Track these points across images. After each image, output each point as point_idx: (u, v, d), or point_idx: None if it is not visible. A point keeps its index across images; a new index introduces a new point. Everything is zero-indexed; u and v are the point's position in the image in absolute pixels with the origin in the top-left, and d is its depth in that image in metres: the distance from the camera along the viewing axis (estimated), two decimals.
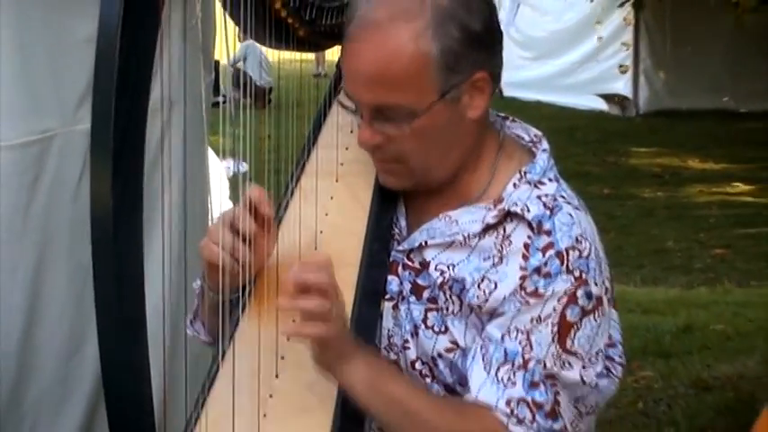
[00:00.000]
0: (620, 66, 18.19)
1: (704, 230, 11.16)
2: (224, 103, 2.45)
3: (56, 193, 3.29)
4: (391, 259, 2.57)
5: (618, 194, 11.68)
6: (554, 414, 2.36)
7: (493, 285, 2.42)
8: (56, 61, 3.22)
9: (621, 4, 16.88)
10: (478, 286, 2.42)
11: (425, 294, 2.51)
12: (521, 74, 17.17)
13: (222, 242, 2.37)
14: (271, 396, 2.45)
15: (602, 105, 18.37)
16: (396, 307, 2.54)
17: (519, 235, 2.44)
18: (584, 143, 13.87)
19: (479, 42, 2.43)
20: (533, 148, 2.58)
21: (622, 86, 18.30)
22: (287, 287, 2.23)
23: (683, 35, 17.69)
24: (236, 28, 2.43)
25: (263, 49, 2.66)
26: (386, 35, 2.38)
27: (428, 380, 2.50)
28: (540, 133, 2.61)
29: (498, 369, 2.36)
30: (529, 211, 2.43)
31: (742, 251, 10.30)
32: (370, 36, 2.39)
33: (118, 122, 1.95)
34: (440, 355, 2.48)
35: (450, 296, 2.46)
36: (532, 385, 2.35)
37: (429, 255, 2.51)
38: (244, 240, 2.37)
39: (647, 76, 18.22)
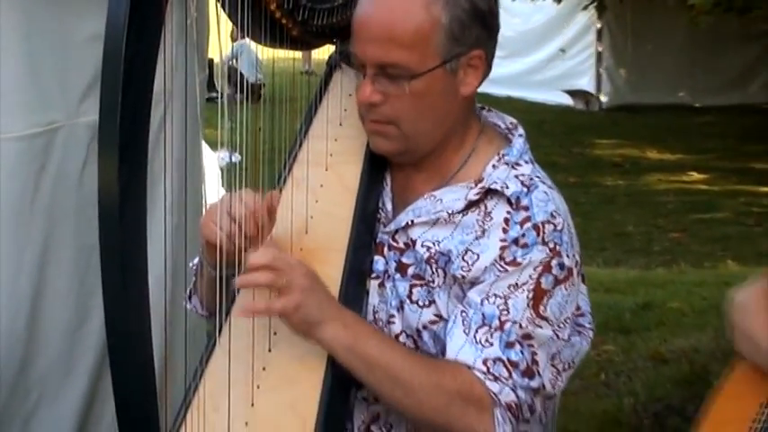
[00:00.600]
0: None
1: (662, 216, 11.21)
2: (218, 98, 2.44)
3: (60, 181, 3.29)
4: (378, 241, 2.59)
5: (582, 183, 11.70)
6: (530, 372, 2.39)
7: (475, 257, 2.45)
8: (61, 58, 3.22)
9: (585, 7, 16.93)
10: (462, 258, 2.46)
11: (410, 271, 2.53)
12: (493, 71, 17.11)
13: (220, 224, 2.37)
14: (264, 369, 2.46)
15: (567, 101, 18.40)
16: (381, 285, 2.56)
17: (499, 210, 2.47)
18: (551, 135, 13.90)
19: (483, 20, 2.48)
20: (509, 135, 2.63)
21: (586, 83, 18.33)
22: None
23: (642, 35, 17.75)
24: (229, 27, 2.43)
25: (255, 47, 2.66)
26: None
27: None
28: (515, 121, 2.66)
29: (477, 331, 2.39)
30: (508, 188, 2.48)
31: (697, 235, 10.34)
32: None
33: (124, 115, 1.95)
34: (424, 327, 2.50)
35: (437, 269, 2.49)
36: (508, 345, 2.37)
37: (415, 233, 2.53)
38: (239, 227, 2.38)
39: (609, 74, 18.24)
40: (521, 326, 2.39)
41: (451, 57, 2.45)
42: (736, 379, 2.70)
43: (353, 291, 2.52)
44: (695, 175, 13.36)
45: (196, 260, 2.71)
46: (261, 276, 2.26)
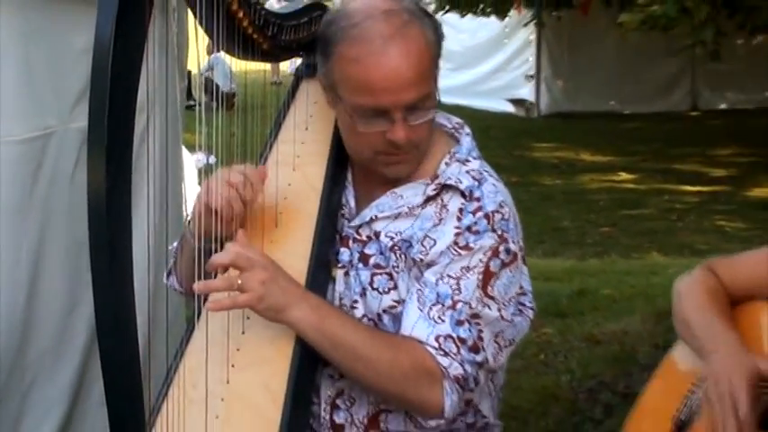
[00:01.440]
0: (527, 75, 18.27)
1: (594, 212, 11.23)
2: (196, 105, 2.44)
3: (55, 180, 3.29)
4: (343, 234, 2.61)
5: (523, 182, 11.71)
6: (476, 348, 2.41)
7: (433, 242, 2.47)
8: (55, 69, 3.21)
9: (525, 24, 16.95)
10: (421, 243, 2.48)
11: (371, 261, 2.54)
12: (442, 82, 16.65)
13: (221, 190, 2.42)
14: (238, 349, 2.47)
15: (510, 108, 18.39)
16: (347, 274, 2.58)
17: (454, 202, 2.50)
18: (495, 140, 13.90)
19: (440, 41, 2.52)
20: (456, 134, 2.65)
21: (527, 93, 18.33)
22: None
23: (577, 50, 17.77)
24: (205, 42, 2.42)
25: (228, 60, 2.65)
26: (412, 35, 2.42)
27: None
28: (461, 121, 2.70)
29: (431, 308, 2.41)
30: (461, 183, 2.51)
31: (625, 229, 10.38)
32: (399, 41, 2.40)
33: (111, 121, 1.95)
34: (384, 312, 2.52)
35: (400, 255, 2.51)
36: (458, 323, 2.39)
37: (379, 226, 2.55)
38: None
39: (548, 84, 18.25)
40: (470, 306, 2.42)
41: (436, 72, 2.51)
42: (672, 357, 2.72)
43: (319, 278, 2.53)
44: (624, 176, 13.39)
45: (175, 243, 2.73)
46: (217, 283, 2.32)
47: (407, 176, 2.56)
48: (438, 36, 2.48)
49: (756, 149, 14.95)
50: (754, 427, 2.35)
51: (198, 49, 2.58)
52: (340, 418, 2.57)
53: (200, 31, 2.38)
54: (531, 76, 18.20)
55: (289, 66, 3.14)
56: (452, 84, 17.24)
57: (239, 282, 2.27)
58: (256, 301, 2.30)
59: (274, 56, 2.59)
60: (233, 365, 2.44)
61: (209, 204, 2.41)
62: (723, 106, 19.07)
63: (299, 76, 2.77)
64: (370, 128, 2.44)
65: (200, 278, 2.37)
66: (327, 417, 2.58)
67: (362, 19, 2.42)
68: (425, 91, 2.43)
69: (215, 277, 2.36)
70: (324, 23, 2.50)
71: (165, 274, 2.78)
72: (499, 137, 14.54)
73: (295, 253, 2.52)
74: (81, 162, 3.19)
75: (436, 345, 2.39)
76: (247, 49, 2.44)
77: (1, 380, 3.24)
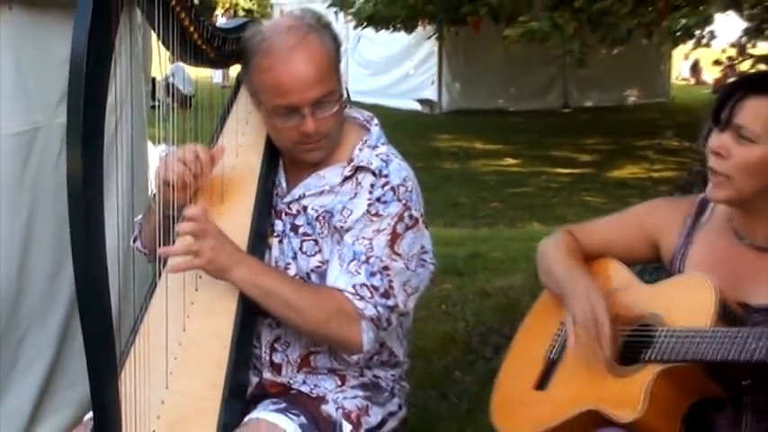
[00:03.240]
0: (431, 81, 18.28)
1: (485, 190, 11.24)
2: (158, 106, 2.44)
3: (42, 166, 3.28)
4: (277, 208, 2.61)
5: (427, 166, 11.69)
6: (387, 294, 2.44)
7: (350, 212, 2.50)
8: (41, 75, 3.19)
9: (429, 38, 16.96)
10: (341, 213, 2.50)
11: (300, 230, 2.56)
12: (361, 85, 17.05)
13: (174, 166, 2.45)
14: (192, 303, 2.49)
15: (417, 107, 18.36)
16: (281, 241, 2.59)
17: (366, 180, 2.52)
18: (405, 132, 13.87)
19: (339, 48, 2.55)
20: (367, 125, 2.66)
21: (431, 93, 18.32)
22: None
23: (471, 58, 17.79)
24: (167, 52, 2.41)
25: (186, 68, 2.65)
26: (311, 44, 2.44)
27: None
28: (371, 114, 2.70)
29: (349, 264, 2.43)
30: (372, 164, 2.53)
31: (510, 204, 10.40)
32: (300, 51, 2.43)
33: (85, 116, 1.96)
34: (312, 271, 2.53)
35: (323, 224, 2.52)
36: (372, 274, 2.42)
37: (306, 201, 2.56)
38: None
39: (447, 86, 18.26)
40: (381, 260, 2.45)
41: (338, 73, 2.52)
42: (540, 306, 2.75)
43: (258, 245, 2.54)
44: (509, 161, 13.44)
45: (140, 216, 2.73)
46: (176, 248, 2.36)
47: (324, 160, 2.58)
48: (336, 43, 2.51)
49: (615, 139, 15.11)
50: (615, 348, 2.37)
51: (160, 59, 2.57)
52: (278, 359, 2.58)
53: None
54: (434, 81, 18.21)
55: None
56: (370, 87, 17.26)
57: (194, 248, 2.30)
58: (207, 263, 2.32)
59: (220, 63, 2.57)
60: (188, 316, 2.46)
61: (166, 178, 2.43)
62: (589, 104, 19.23)
63: (239, 80, 2.76)
64: (286, 123, 2.48)
65: (161, 244, 2.38)
66: (267, 357, 2.58)
67: (270, 34, 2.47)
68: (328, 88, 2.45)
69: (173, 243, 2.38)
70: (243, 41, 2.51)
71: (133, 238, 2.77)
72: (408, 130, 14.52)
73: (238, 224, 2.51)
74: (63, 151, 3.15)
75: (353, 291, 2.43)
76: (198, 58, 2.43)
77: (0, 328, 3.23)
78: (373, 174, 2.52)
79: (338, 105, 2.50)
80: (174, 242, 2.38)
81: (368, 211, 2.48)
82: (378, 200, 2.49)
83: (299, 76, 2.42)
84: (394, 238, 2.47)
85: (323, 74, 2.44)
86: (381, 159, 2.55)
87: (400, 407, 2.69)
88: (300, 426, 2.39)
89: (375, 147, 2.58)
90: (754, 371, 2.17)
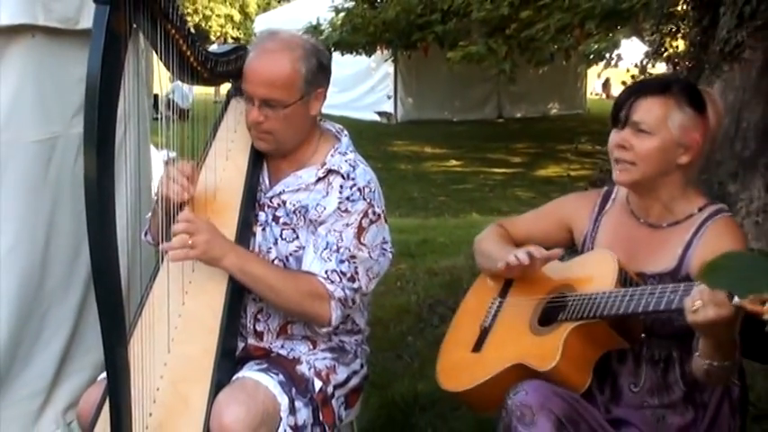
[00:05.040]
0: (387, 95, 18.25)
1: (434, 187, 11.26)
2: (160, 118, 2.44)
3: (61, 169, 3.23)
4: (261, 202, 2.61)
5: (386, 167, 11.66)
6: (353, 279, 2.45)
7: (323, 208, 2.50)
8: (60, 92, 3.16)
9: (386, 60, 16.96)
10: (315, 209, 2.51)
11: (281, 221, 2.56)
12: (331, 100, 16.76)
13: (167, 182, 2.46)
14: (190, 282, 2.48)
15: (377, 118, 18.31)
16: (264, 230, 2.59)
17: (336, 181, 2.52)
18: (367, 139, 13.81)
19: (324, 70, 2.52)
20: (338, 135, 2.66)
21: (388, 107, 18.28)
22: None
23: (421, 76, 17.78)
24: (168, 72, 2.40)
25: (185, 85, 2.65)
26: (278, 58, 2.45)
27: None
28: (341, 126, 2.71)
29: (322, 252, 2.44)
30: (342, 168, 2.53)
31: (455, 198, 10.42)
32: (268, 57, 2.45)
33: (99, 127, 1.95)
34: (290, 255, 2.53)
35: (300, 216, 2.52)
36: (341, 261, 2.44)
37: (286, 197, 2.56)
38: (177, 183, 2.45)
39: (402, 101, 18.23)
40: (349, 249, 2.46)
41: (306, 93, 2.49)
42: (478, 284, 2.76)
43: (245, 233, 2.54)
44: (454, 162, 13.48)
45: (149, 214, 2.71)
46: (174, 243, 2.31)
47: (271, 152, 2.61)
48: (310, 69, 2.48)
49: (541, 144, 15.18)
50: (537, 312, 2.42)
51: (160, 78, 2.58)
52: (260, 327, 2.59)
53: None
54: (390, 96, 18.19)
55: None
56: (338, 102, 17.09)
57: (190, 242, 2.30)
58: (201, 254, 2.33)
59: (212, 82, 2.57)
60: (186, 293, 2.46)
61: (166, 193, 2.44)
62: (519, 115, 19.29)
63: (229, 96, 2.76)
64: (246, 107, 2.54)
65: (163, 240, 2.37)
66: (251, 326, 2.59)
67: (268, 35, 2.55)
68: (277, 96, 2.46)
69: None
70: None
71: (143, 232, 2.77)
72: (370, 137, 14.49)
73: (229, 217, 2.52)
74: (79, 156, 3.13)
75: (325, 276, 2.44)
76: (194, 77, 2.42)
77: (26, 305, 3.21)
78: (342, 176, 2.53)
79: (285, 112, 2.48)
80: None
81: (338, 208, 2.49)
82: (347, 198, 2.50)
83: (256, 72, 2.47)
84: (360, 231, 2.48)
85: (276, 82, 2.45)
86: (350, 164, 2.55)
87: (362, 366, 2.70)
88: (279, 383, 2.39)
89: (345, 153, 2.59)
90: (651, 325, 2.25)
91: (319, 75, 2.51)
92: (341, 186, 2.52)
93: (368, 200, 2.51)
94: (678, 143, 2.28)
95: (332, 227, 2.48)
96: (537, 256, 2.40)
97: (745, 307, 1.80)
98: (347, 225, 2.48)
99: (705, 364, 2.08)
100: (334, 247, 2.46)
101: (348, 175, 2.53)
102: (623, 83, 6.07)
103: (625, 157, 2.30)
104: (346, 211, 2.49)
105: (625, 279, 2.26)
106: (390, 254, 2.63)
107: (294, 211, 2.55)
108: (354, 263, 2.47)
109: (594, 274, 2.32)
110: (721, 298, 1.90)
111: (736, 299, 1.86)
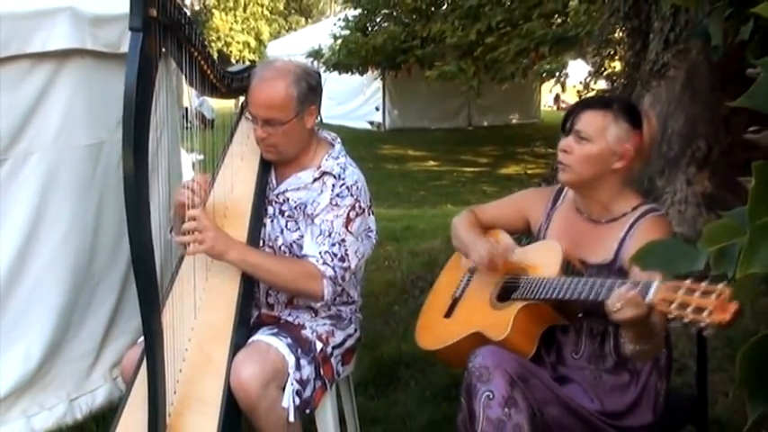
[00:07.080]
0: (377, 107, 18.21)
1: (416, 183, 11.24)
2: (189, 127, 2.43)
3: (106, 170, 3.25)
4: (269, 197, 2.58)
5: (376, 167, 11.66)
6: (343, 260, 2.43)
7: (318, 203, 2.48)
8: (105, 103, 3.16)
9: (376, 78, 16.94)
10: (311, 204, 2.48)
11: (285, 214, 2.54)
12: (330, 112, 16.80)
13: (182, 192, 2.41)
14: (212, 262, 2.45)
15: (368, 126, 18.25)
16: (272, 221, 2.56)
17: (329, 181, 2.50)
18: (361, 144, 13.76)
19: (314, 91, 2.48)
20: (333, 142, 2.63)
21: (378, 117, 18.21)
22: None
23: (405, 91, 17.64)
24: (193, 88, 2.40)
25: (209, 99, 2.64)
26: (273, 84, 2.42)
27: (287, 254, 2.53)
28: (335, 135, 2.67)
29: (317, 238, 2.42)
30: (334, 170, 2.51)
31: (433, 192, 10.41)
32: (265, 84, 2.43)
33: (136, 135, 1.94)
34: (294, 242, 2.52)
35: (300, 211, 2.50)
36: (333, 245, 2.41)
37: (289, 194, 2.54)
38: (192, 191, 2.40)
39: (389, 112, 18.14)
40: (339, 235, 2.44)
41: (300, 112, 2.46)
42: (452, 262, 2.75)
43: (256, 223, 2.51)
44: (432, 163, 13.45)
45: (172, 212, 2.67)
46: (186, 239, 2.31)
47: (302, 165, 2.57)
48: (301, 91, 2.44)
49: (503, 147, 15.15)
50: (497, 289, 2.41)
51: (189, 93, 2.56)
52: (271, 300, 2.58)
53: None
54: (379, 108, 18.13)
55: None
56: (336, 113, 17.11)
57: (200, 238, 2.30)
58: (209, 249, 2.32)
59: (229, 95, 2.55)
60: (209, 270, 2.45)
61: (181, 200, 2.42)
62: (485, 124, 19.18)
63: (243, 107, 2.75)
64: (253, 126, 2.51)
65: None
66: (264, 299, 2.58)
67: (267, 65, 2.52)
68: (275, 116, 2.44)
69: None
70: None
71: (169, 230, 2.75)
72: (363, 143, 14.45)
73: (243, 212, 2.50)
74: (121, 159, 3.14)
75: (319, 257, 2.42)
76: (213, 92, 2.40)
77: (79, 280, 3.21)
78: (334, 177, 2.51)
79: (284, 128, 2.46)
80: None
81: (330, 203, 2.48)
82: (337, 195, 2.48)
83: (256, 97, 2.45)
84: (348, 221, 2.46)
85: (273, 105, 2.42)
86: (341, 167, 2.53)
87: (356, 330, 2.69)
88: (287, 344, 2.39)
89: (337, 158, 2.57)
90: (588, 307, 2.22)
91: (310, 94, 2.48)
92: (333, 185, 2.50)
93: (355, 196, 2.50)
94: (613, 151, 2.26)
95: (325, 217, 2.47)
96: (496, 261, 2.41)
97: (655, 306, 1.83)
98: (337, 216, 2.47)
99: (630, 348, 2.08)
100: (327, 233, 2.45)
101: (339, 176, 2.51)
102: (565, 101, 6.07)
103: (566, 160, 2.29)
104: (337, 205, 2.47)
105: (567, 267, 2.26)
106: (374, 239, 2.62)
107: (296, 207, 2.53)
108: (344, 246, 2.45)
109: (543, 261, 2.31)
110: (637, 299, 1.90)
111: (648, 297, 1.87)
